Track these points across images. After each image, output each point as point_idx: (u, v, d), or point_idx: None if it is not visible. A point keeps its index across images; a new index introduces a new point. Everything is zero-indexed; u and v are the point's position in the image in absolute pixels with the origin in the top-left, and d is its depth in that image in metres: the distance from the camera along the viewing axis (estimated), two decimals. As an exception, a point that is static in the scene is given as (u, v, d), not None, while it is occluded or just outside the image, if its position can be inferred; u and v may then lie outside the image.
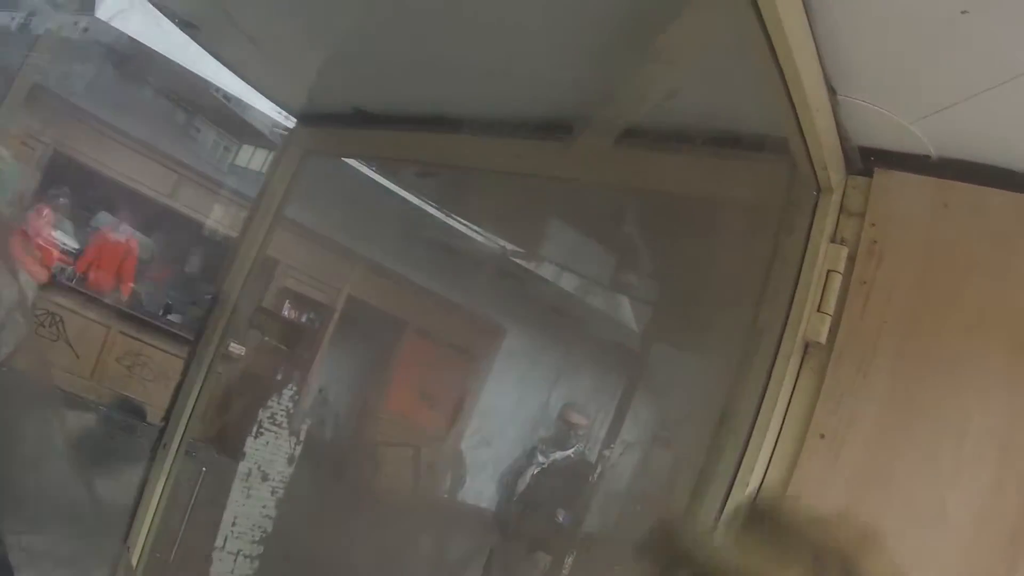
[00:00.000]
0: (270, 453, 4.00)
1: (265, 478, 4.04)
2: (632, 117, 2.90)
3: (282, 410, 4.10)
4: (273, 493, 4.04)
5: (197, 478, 4.25)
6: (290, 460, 4.04)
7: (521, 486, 5.17)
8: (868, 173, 2.20)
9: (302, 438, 4.08)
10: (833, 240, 2.21)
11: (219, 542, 3.90)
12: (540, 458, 5.19)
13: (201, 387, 4.08)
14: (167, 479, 3.90)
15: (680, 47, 2.42)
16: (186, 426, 3.99)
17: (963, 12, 1.63)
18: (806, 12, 1.79)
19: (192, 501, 4.16)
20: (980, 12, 1.61)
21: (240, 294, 4.49)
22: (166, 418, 3.92)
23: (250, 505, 3.98)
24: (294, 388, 4.35)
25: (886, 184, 2.15)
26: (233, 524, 3.93)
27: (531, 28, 2.72)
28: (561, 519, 4.92)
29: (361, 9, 3.16)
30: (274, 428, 4.04)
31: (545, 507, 4.94)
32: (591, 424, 4.86)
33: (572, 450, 5.22)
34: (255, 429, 4.07)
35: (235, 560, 3.91)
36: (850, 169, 2.22)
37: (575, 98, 3.09)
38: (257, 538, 3.97)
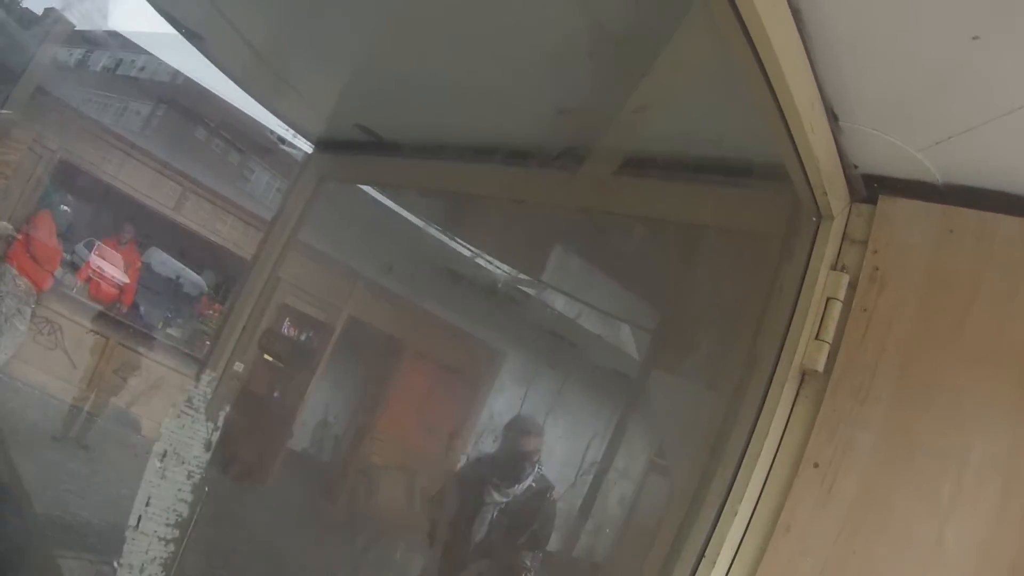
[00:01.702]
0: (186, 436, 3.96)
1: (181, 461, 4.00)
2: (629, 146, 2.90)
3: (199, 394, 4.06)
4: (189, 477, 3.99)
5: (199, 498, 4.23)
6: (207, 446, 4.00)
7: (478, 535, 4.55)
8: (873, 200, 2.16)
9: (219, 424, 4.04)
10: (834, 267, 2.17)
11: (132, 521, 3.86)
12: (496, 496, 4.54)
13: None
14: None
15: (670, 77, 2.42)
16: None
17: (974, 38, 1.59)
18: (802, 39, 1.76)
19: (192, 523, 4.13)
20: (991, 38, 1.58)
21: (250, 315, 4.52)
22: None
23: (165, 487, 3.93)
24: (213, 373, 4.31)
25: (890, 211, 2.11)
26: (147, 505, 3.88)
27: (530, 58, 2.74)
28: (529, 563, 4.52)
29: (375, 38, 3.22)
30: (191, 411, 4.00)
31: (509, 554, 4.63)
32: (542, 442, 4.56)
33: (531, 479, 4.54)
34: (172, 410, 4.04)
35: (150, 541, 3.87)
36: (854, 196, 2.19)
37: (577, 131, 3.10)
38: (172, 521, 3.93)
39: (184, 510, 3.96)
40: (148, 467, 3.92)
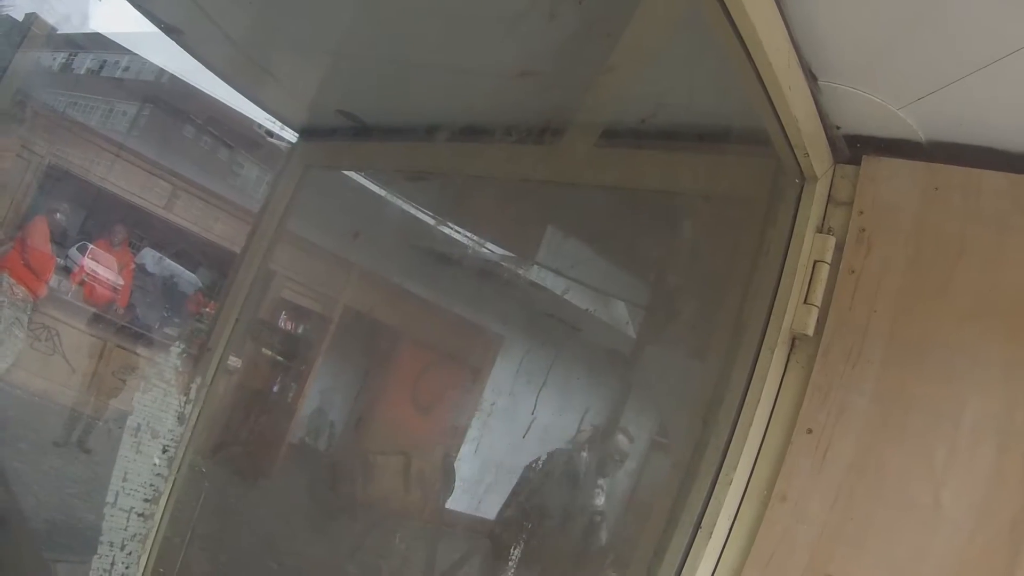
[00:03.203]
0: (159, 410, 3.94)
1: (155, 435, 3.99)
2: (607, 117, 2.88)
3: (170, 367, 4.05)
4: (165, 451, 3.98)
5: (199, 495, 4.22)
6: (180, 419, 3.99)
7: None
8: (856, 161, 2.14)
9: (192, 396, 4.02)
10: (820, 230, 2.15)
11: (110, 498, 3.85)
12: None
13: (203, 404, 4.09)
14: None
15: (640, 39, 2.39)
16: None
17: (948, -12, 1.56)
18: (775, -1, 1.73)
19: (195, 516, 4.13)
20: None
21: (242, 308, 4.50)
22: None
23: (140, 461, 3.92)
24: (181, 346, 4.30)
25: (874, 171, 2.09)
26: (124, 480, 3.87)
27: (491, 24, 2.71)
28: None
29: (347, 21, 3.20)
30: (162, 384, 3.98)
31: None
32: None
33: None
34: (143, 385, 4.02)
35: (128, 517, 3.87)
36: (838, 158, 2.16)
37: (553, 102, 3.08)
38: (149, 496, 3.92)
39: (161, 485, 3.95)
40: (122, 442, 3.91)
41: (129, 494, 3.83)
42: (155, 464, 3.91)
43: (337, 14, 3.22)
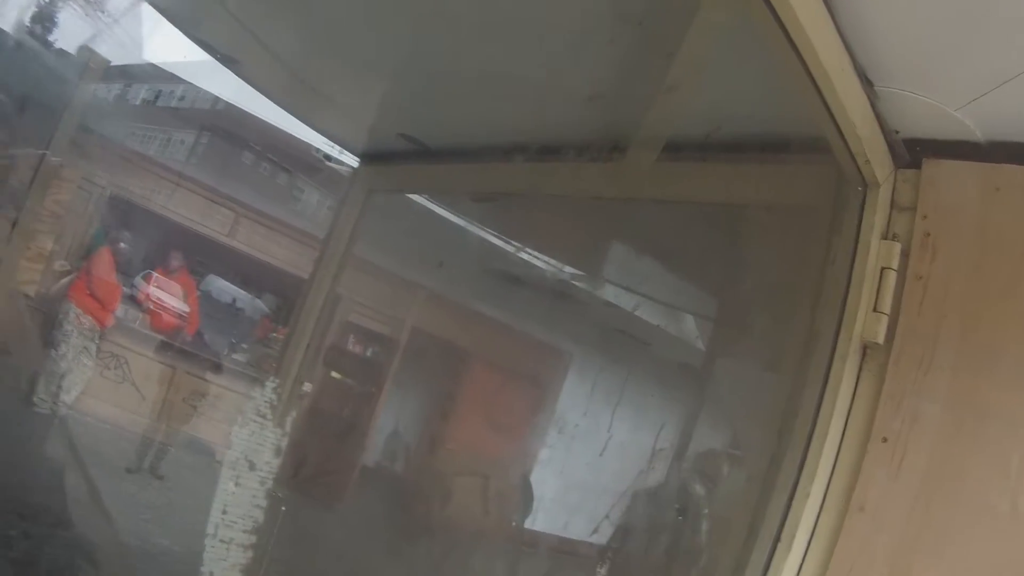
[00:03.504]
0: (256, 443, 4.02)
1: (252, 467, 4.06)
2: (668, 131, 2.88)
3: (265, 401, 4.12)
4: (262, 483, 4.05)
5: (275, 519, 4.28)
6: (277, 452, 4.06)
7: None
8: (917, 165, 2.12)
9: (287, 429, 4.09)
10: (885, 236, 2.13)
11: (210, 530, 3.93)
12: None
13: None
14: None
15: (698, 56, 2.40)
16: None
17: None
18: (826, 5, 1.73)
19: (271, 541, 4.19)
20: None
21: (312, 333, 4.57)
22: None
23: (240, 494, 3.99)
24: (277, 380, 4.37)
25: (935, 174, 2.07)
26: (224, 513, 3.95)
27: (554, 48, 2.75)
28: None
29: (405, 44, 3.24)
30: (259, 419, 4.05)
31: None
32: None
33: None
34: (240, 419, 4.10)
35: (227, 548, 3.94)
36: (898, 162, 2.15)
37: (617, 120, 3.09)
38: (248, 527, 3.99)
39: (259, 516, 4.03)
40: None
41: (228, 526, 3.92)
42: (253, 497, 3.99)
43: (395, 38, 3.26)
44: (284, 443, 4.12)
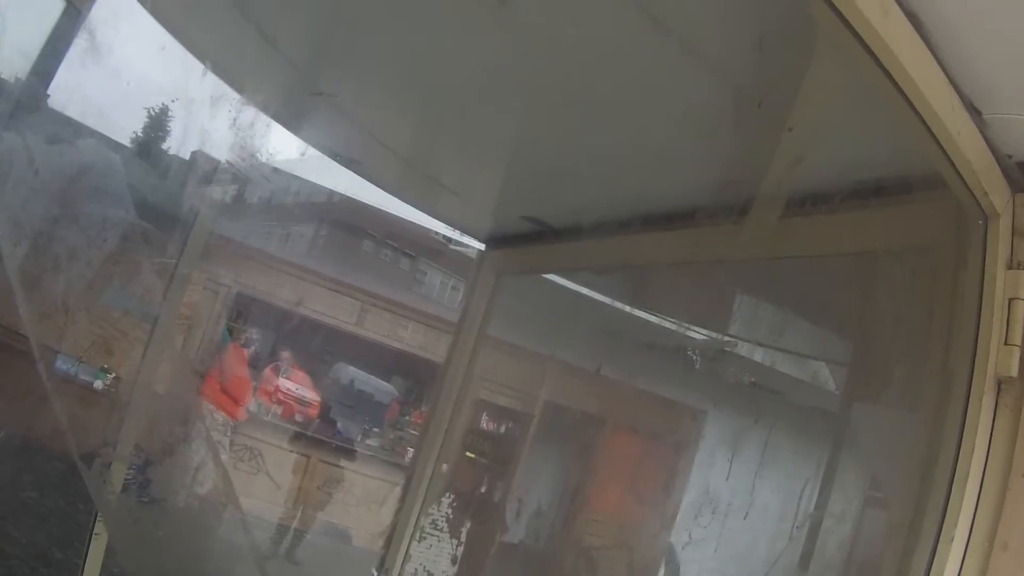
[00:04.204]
0: (434, 555, 4.07)
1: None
2: (787, 187, 2.88)
3: (442, 516, 4.18)
4: None
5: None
6: (453, 560, 4.11)
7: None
8: (1034, 188, 2.07)
9: (463, 539, 4.14)
10: (1010, 266, 2.08)
11: None
12: None
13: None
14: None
15: (814, 120, 2.40)
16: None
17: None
18: (926, 43, 1.74)
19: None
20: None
21: (451, 415, 4.66)
22: (386, 545, 4.09)
23: None
24: (452, 496, 4.44)
25: (1053, 194, 2.02)
26: None
27: (675, 117, 2.79)
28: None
29: (522, 126, 3.32)
30: (436, 532, 4.12)
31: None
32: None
33: None
34: (418, 534, 4.16)
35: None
36: (1015, 188, 2.11)
37: (740, 189, 3.11)
38: None
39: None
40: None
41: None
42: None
43: (510, 124, 3.35)
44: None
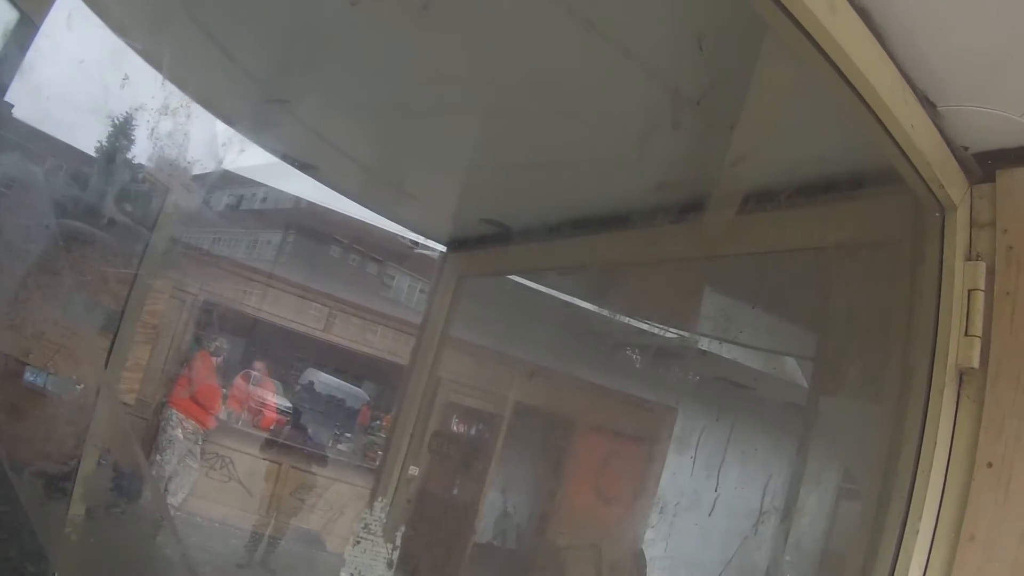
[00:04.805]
0: (369, 559, 4.06)
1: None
2: (732, 186, 2.90)
3: (375, 520, 4.17)
4: None
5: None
6: (388, 564, 4.09)
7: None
8: (991, 178, 2.08)
9: (398, 543, 4.13)
10: (969, 258, 2.08)
11: None
12: None
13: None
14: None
15: (760, 118, 2.41)
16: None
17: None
18: (876, 37, 1.76)
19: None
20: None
21: (416, 418, 4.64)
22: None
23: None
24: (384, 500, 4.44)
25: (1011, 184, 2.02)
26: None
27: (617, 119, 2.82)
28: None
29: (478, 134, 3.33)
30: (370, 536, 4.10)
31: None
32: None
33: None
34: (352, 539, 4.15)
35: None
36: (971, 178, 2.11)
37: (690, 189, 3.12)
38: None
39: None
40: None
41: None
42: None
43: (466, 132, 3.36)
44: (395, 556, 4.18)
